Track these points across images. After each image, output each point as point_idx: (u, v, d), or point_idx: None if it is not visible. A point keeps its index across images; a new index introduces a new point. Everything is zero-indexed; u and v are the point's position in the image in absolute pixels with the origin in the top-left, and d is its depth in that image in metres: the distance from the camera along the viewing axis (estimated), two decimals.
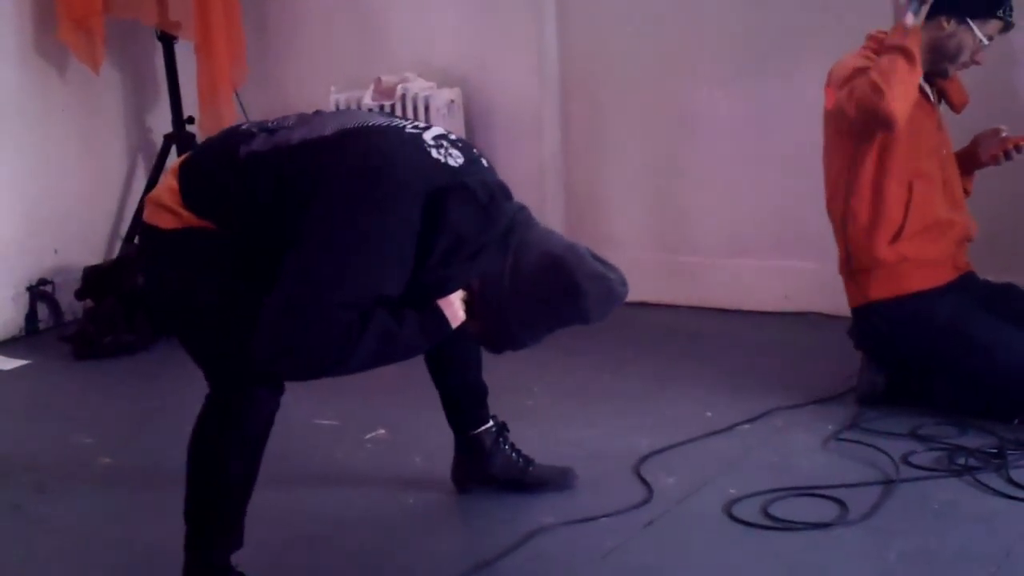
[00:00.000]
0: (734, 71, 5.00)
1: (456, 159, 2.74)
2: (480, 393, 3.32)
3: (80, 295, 5.27)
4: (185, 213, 2.70)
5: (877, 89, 3.52)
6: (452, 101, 5.37)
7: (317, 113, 2.89)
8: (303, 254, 2.58)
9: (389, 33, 5.66)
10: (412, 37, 5.59)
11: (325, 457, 3.66)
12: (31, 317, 5.41)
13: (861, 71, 3.62)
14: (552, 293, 2.73)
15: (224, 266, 2.71)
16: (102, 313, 5.06)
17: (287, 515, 3.24)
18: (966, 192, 3.96)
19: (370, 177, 2.61)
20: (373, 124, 2.77)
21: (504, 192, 2.81)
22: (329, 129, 2.73)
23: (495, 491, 3.33)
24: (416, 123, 2.86)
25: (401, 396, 4.11)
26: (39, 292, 5.44)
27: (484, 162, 2.86)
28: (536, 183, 5.42)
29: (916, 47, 3.60)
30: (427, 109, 5.27)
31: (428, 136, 2.77)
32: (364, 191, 2.59)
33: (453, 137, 2.84)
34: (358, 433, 3.87)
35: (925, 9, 3.61)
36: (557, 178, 5.38)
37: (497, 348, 2.89)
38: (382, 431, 3.88)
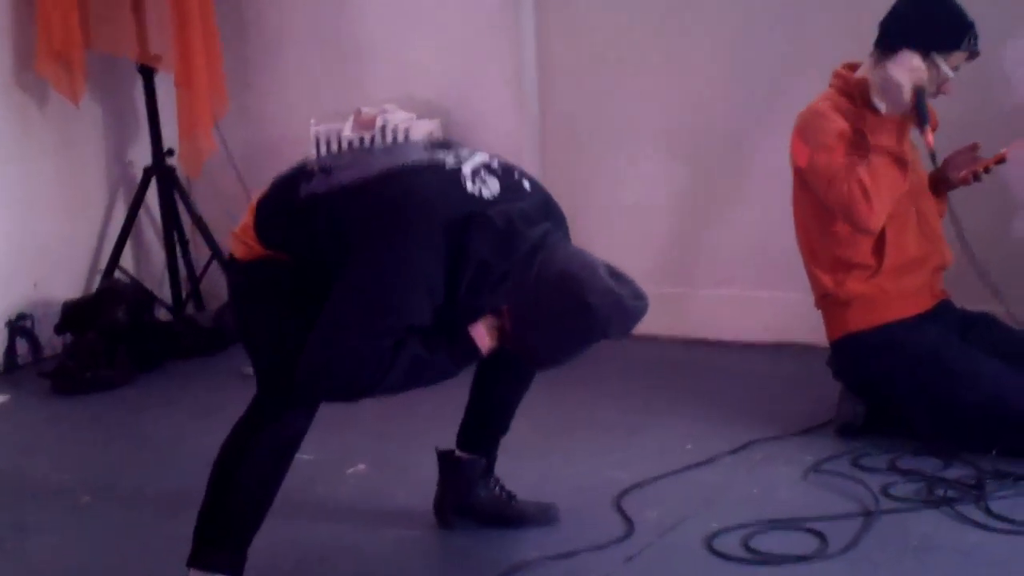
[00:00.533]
0: (714, 104, 5.02)
1: (492, 189, 2.90)
2: (506, 426, 3.37)
3: (59, 329, 5.26)
4: (256, 246, 2.94)
5: (866, 198, 3.59)
6: (432, 133, 5.38)
7: (369, 151, 3.17)
8: (339, 290, 2.79)
9: (369, 65, 5.67)
10: (392, 69, 5.60)
11: (305, 492, 3.65)
12: (10, 352, 5.38)
13: (850, 170, 3.63)
14: (565, 311, 2.79)
15: (283, 291, 2.93)
16: (82, 348, 5.04)
17: (267, 550, 3.22)
18: (940, 214, 3.97)
19: (394, 216, 2.79)
20: (411, 164, 2.94)
21: (526, 217, 2.89)
22: (375, 169, 2.92)
23: (476, 526, 3.33)
24: (462, 154, 2.99)
25: (382, 431, 4.11)
26: (18, 327, 5.40)
27: (527, 184, 3.03)
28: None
29: (909, 151, 3.69)
30: (407, 140, 5.28)
31: (467, 169, 2.92)
32: (388, 229, 2.78)
33: (496, 165, 3.00)
34: (338, 468, 3.86)
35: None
36: None
37: (536, 366, 3.06)
38: (362, 466, 3.88)
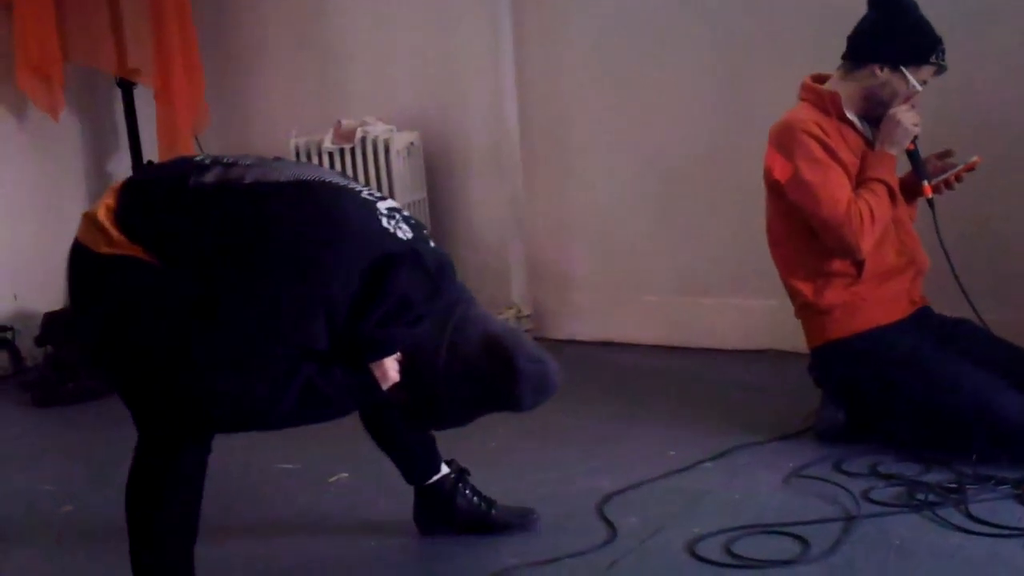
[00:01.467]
0: (692, 110, 5.04)
1: (405, 233, 2.71)
2: (427, 443, 3.30)
3: (40, 341, 5.25)
4: (117, 236, 2.64)
5: (867, 229, 3.67)
6: (412, 144, 5.40)
7: (277, 159, 2.88)
8: (234, 303, 2.57)
9: (349, 77, 5.69)
10: (372, 81, 5.62)
11: (287, 501, 3.65)
12: None
13: (855, 199, 3.69)
14: (489, 373, 2.68)
15: (154, 304, 2.63)
16: (63, 360, 5.04)
17: (249, 560, 3.23)
18: (911, 218, 3.99)
19: (320, 231, 2.59)
20: (329, 181, 2.76)
21: (451, 268, 2.79)
22: (284, 176, 2.70)
23: (458, 534, 3.33)
24: (372, 191, 2.83)
25: (364, 439, 4.09)
26: None
27: (431, 243, 2.81)
28: (496, 225, 5.45)
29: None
30: (387, 152, 5.29)
31: (382, 206, 2.74)
32: (313, 244, 2.57)
33: (405, 213, 2.81)
34: (321, 477, 3.86)
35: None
36: (518, 219, 5.40)
37: (419, 424, 2.87)
38: (344, 475, 3.88)
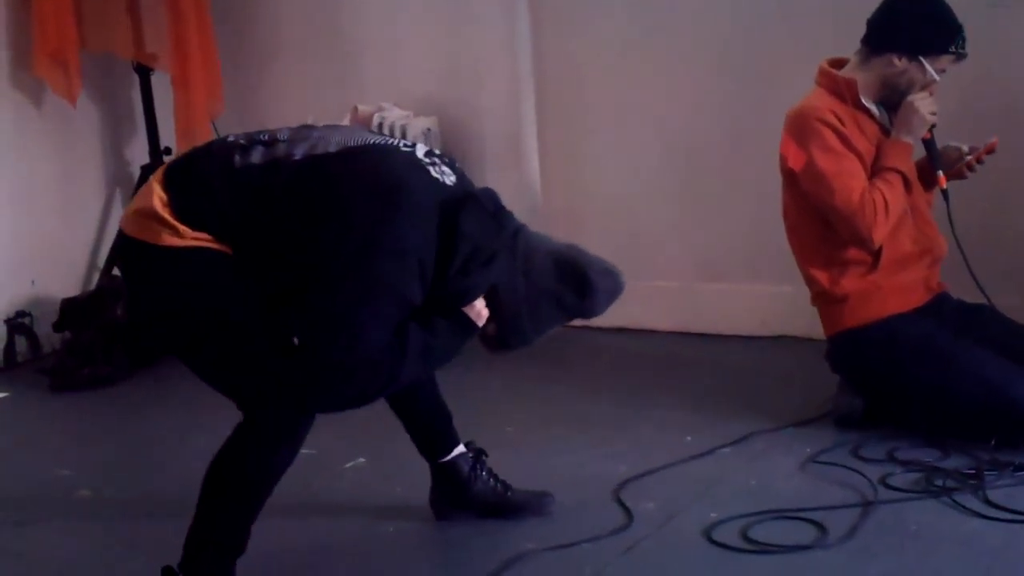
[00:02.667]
0: (709, 96, 5.03)
1: (450, 177, 2.86)
2: (446, 415, 3.33)
3: (58, 327, 5.26)
4: (182, 227, 2.68)
5: (883, 218, 3.65)
6: (429, 129, 5.38)
7: (308, 127, 2.92)
8: (331, 276, 2.67)
9: (365, 63, 5.68)
10: (388, 67, 5.61)
11: (304, 487, 3.65)
12: (9, 349, 5.38)
13: (870, 189, 3.68)
14: (566, 290, 2.89)
15: (237, 288, 2.72)
16: (80, 345, 5.05)
17: (266, 545, 3.22)
18: (927, 203, 3.97)
19: (388, 197, 2.70)
20: (373, 143, 2.85)
21: (498, 198, 2.97)
22: (333, 146, 2.78)
23: (474, 518, 3.33)
24: (404, 142, 2.93)
25: (380, 424, 4.09)
26: (17, 324, 5.41)
27: (466, 176, 2.97)
28: (512, 210, 5.42)
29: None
30: (404, 138, 5.27)
31: (421, 154, 2.86)
32: (383, 211, 2.68)
33: (437, 152, 2.95)
34: (338, 462, 3.86)
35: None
36: (534, 204, 5.39)
37: (507, 346, 2.97)
38: (362, 460, 3.88)
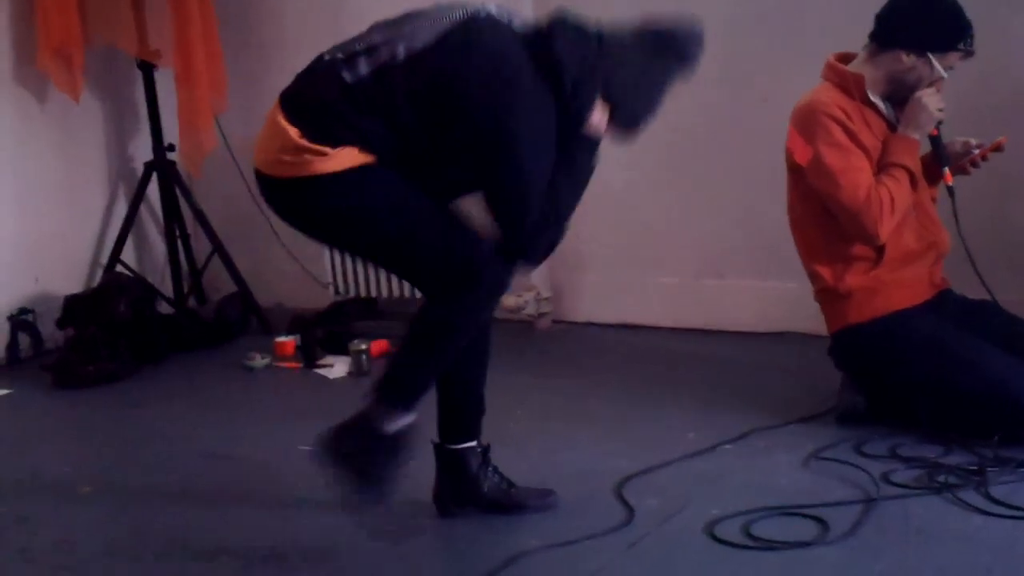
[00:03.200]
0: (712, 92, 5.00)
1: (519, 21, 3.10)
2: (481, 406, 3.35)
3: (61, 324, 5.26)
4: (327, 148, 2.88)
5: (888, 214, 3.65)
6: None
7: (394, 23, 3.12)
8: (495, 147, 2.94)
9: None
10: None
11: (309, 482, 3.65)
12: (12, 346, 5.40)
13: (876, 185, 3.67)
14: (661, 57, 3.16)
15: (401, 185, 2.97)
16: (83, 342, 5.05)
17: (270, 540, 3.23)
18: (932, 199, 3.97)
19: (505, 81, 2.94)
20: (461, 20, 3.03)
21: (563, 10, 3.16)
22: (430, 35, 2.99)
23: (477, 514, 3.33)
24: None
25: None
26: (20, 321, 5.42)
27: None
28: None
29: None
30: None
31: (493, 9, 3.09)
32: (507, 92, 2.93)
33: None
34: None
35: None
36: None
37: (635, 130, 3.23)
38: None
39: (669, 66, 3.19)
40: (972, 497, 3.23)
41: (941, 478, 3.35)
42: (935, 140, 3.80)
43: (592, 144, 3.13)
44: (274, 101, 3.06)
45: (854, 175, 3.66)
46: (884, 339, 3.77)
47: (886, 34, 3.74)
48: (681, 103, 5.02)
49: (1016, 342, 3.72)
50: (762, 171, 4.73)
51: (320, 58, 3.08)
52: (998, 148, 3.84)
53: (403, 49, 2.96)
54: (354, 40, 3.07)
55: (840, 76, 3.81)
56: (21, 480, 3.94)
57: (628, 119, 3.18)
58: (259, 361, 5.09)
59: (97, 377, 4.96)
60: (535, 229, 3.03)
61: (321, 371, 4.92)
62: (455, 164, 3.05)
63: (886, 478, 3.39)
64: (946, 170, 3.78)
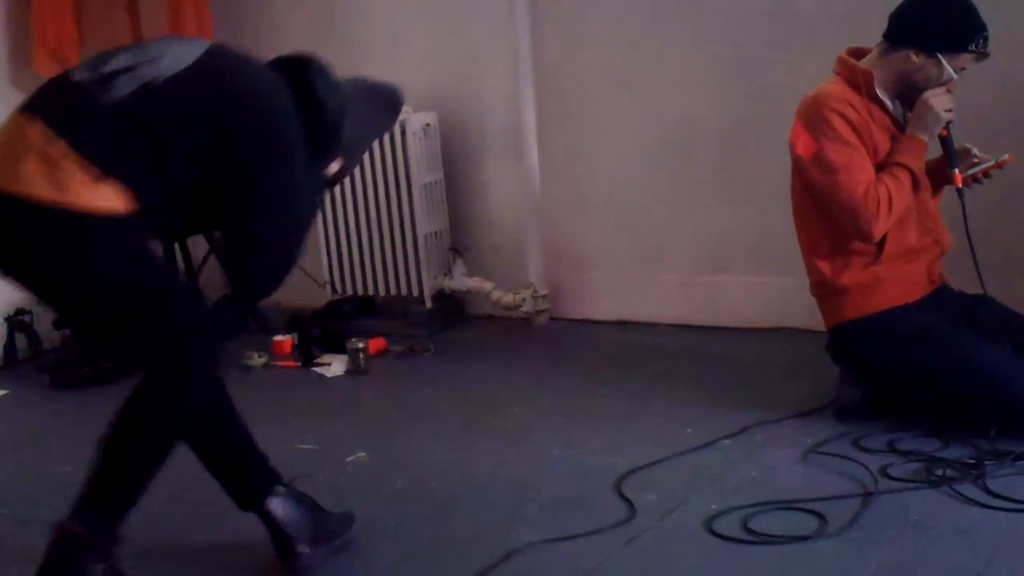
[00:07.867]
0: (712, 90, 5.02)
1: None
2: (260, 455, 3.19)
3: (58, 324, 5.25)
4: (103, 179, 2.64)
5: (885, 213, 3.63)
6: (428, 124, 5.39)
7: (136, 49, 2.93)
8: (255, 210, 2.86)
9: (364, 58, 5.67)
10: (388, 61, 5.60)
11: (306, 481, 3.64)
12: (10, 347, 5.40)
13: (877, 182, 3.65)
14: (384, 105, 3.32)
15: (144, 253, 2.82)
16: (81, 342, 5.05)
17: (267, 538, 3.23)
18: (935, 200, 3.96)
19: (271, 128, 2.89)
20: (208, 49, 2.96)
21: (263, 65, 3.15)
22: (183, 64, 2.82)
23: (477, 510, 3.34)
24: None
25: (382, 419, 4.12)
26: (17, 322, 5.42)
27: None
28: (513, 205, 5.44)
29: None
30: (403, 132, 5.29)
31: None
32: (270, 146, 2.87)
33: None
34: (339, 456, 3.87)
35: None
36: (534, 199, 5.39)
37: (351, 169, 3.42)
38: (363, 454, 3.88)
39: (386, 119, 3.43)
40: (970, 490, 3.24)
41: (939, 472, 3.36)
42: (945, 141, 3.75)
43: (323, 185, 3.17)
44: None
45: (855, 172, 3.65)
46: (881, 334, 3.77)
47: (897, 33, 3.72)
48: (680, 99, 5.10)
49: (1013, 336, 3.73)
50: (760, 167, 4.76)
51: (55, 80, 2.89)
52: (1002, 166, 3.82)
53: (159, 72, 2.78)
54: (85, 64, 2.85)
55: (850, 70, 3.79)
56: (19, 480, 3.95)
57: (352, 164, 3.28)
58: (256, 360, 5.09)
59: (94, 377, 4.95)
60: (272, 277, 3.00)
61: (319, 370, 4.91)
62: (207, 204, 2.86)
63: (884, 472, 3.40)
64: (955, 172, 3.75)
